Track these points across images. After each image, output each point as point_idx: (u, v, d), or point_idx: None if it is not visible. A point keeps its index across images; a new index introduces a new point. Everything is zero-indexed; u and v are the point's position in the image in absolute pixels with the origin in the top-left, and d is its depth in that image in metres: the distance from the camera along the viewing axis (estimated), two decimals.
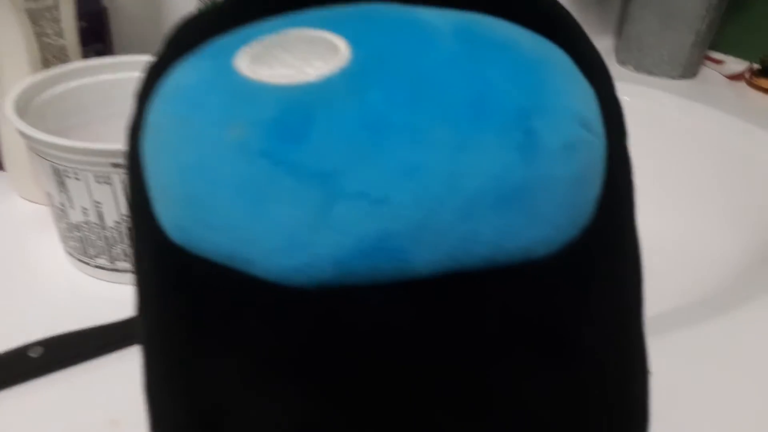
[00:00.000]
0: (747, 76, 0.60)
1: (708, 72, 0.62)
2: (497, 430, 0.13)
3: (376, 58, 0.13)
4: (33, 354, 0.24)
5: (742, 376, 0.26)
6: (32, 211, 0.35)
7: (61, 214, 0.28)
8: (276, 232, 0.12)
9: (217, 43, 0.14)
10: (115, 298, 0.28)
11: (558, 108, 0.13)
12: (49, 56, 0.34)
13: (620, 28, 0.64)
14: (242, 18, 0.15)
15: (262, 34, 0.14)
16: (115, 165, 0.26)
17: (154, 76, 0.15)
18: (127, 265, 0.29)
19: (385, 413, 0.13)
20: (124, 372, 0.24)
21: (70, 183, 0.26)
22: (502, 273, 0.13)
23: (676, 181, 0.52)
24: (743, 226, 0.46)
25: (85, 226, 0.28)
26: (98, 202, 0.27)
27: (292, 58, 0.13)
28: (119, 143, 0.25)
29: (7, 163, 0.35)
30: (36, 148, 0.26)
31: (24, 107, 0.30)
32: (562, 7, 0.16)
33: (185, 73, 0.14)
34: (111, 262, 0.29)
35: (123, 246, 0.28)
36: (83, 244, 0.29)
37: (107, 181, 0.26)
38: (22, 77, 0.32)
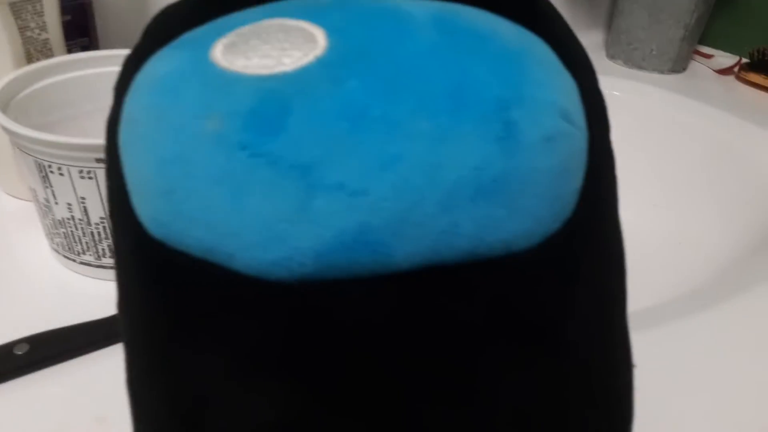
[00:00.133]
0: (736, 70, 0.60)
1: (697, 66, 0.63)
2: (480, 422, 0.13)
3: (354, 48, 0.12)
4: (18, 351, 0.24)
5: (732, 368, 0.27)
6: (17, 208, 0.34)
7: (45, 210, 0.28)
8: (255, 225, 0.12)
9: (195, 33, 0.14)
10: (101, 294, 0.28)
11: (538, 99, 0.13)
12: (33, 50, 0.34)
13: (610, 23, 0.64)
14: (220, 8, 0.15)
15: (239, 24, 0.13)
16: (99, 160, 0.25)
17: (132, 68, 0.15)
18: (113, 262, 0.29)
19: (367, 406, 0.13)
20: (111, 369, 0.24)
21: (54, 178, 0.26)
22: (484, 266, 0.13)
23: (665, 174, 0.52)
24: (733, 219, 0.46)
25: (70, 222, 0.27)
26: (83, 198, 0.26)
27: (269, 48, 0.13)
28: (103, 138, 0.25)
29: None
30: (19, 143, 0.26)
31: (7, 102, 0.29)
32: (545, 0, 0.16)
33: (162, 64, 0.14)
34: (97, 259, 0.28)
35: (108, 242, 0.28)
36: (68, 241, 0.28)
37: (91, 177, 0.26)
38: (6, 72, 0.32)
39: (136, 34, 0.16)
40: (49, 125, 0.31)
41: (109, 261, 0.29)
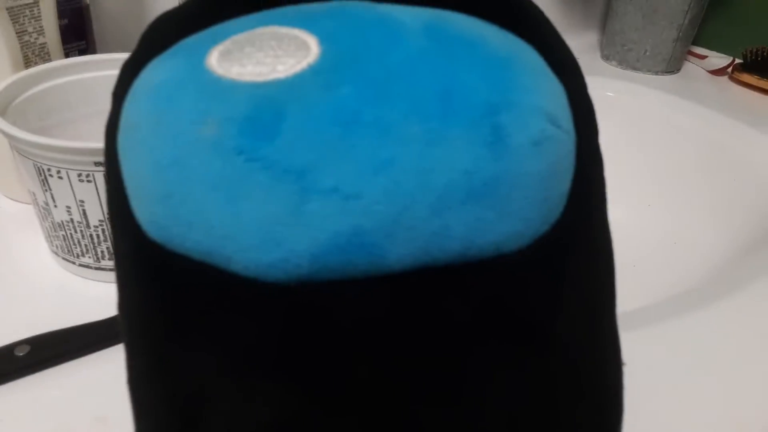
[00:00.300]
0: (729, 70, 0.61)
1: (691, 67, 0.63)
2: (473, 420, 0.14)
3: (346, 55, 0.13)
4: (19, 352, 0.24)
5: (726, 367, 0.27)
6: (17, 211, 0.35)
7: (45, 213, 0.28)
8: (252, 228, 0.12)
9: (190, 41, 0.14)
10: (101, 296, 0.28)
11: (526, 104, 0.13)
12: (30, 54, 0.34)
13: (604, 24, 0.64)
14: (215, 16, 0.15)
15: (234, 31, 0.14)
16: (98, 164, 0.26)
17: (129, 74, 0.15)
18: (113, 264, 0.29)
19: (361, 404, 0.13)
20: (111, 369, 0.24)
21: (53, 182, 0.26)
22: (475, 267, 0.13)
23: (659, 174, 0.53)
24: (726, 219, 0.47)
25: (69, 224, 0.28)
26: (82, 201, 0.27)
27: (263, 56, 0.13)
28: (101, 142, 0.25)
29: None
30: (18, 147, 0.26)
31: (5, 106, 0.30)
32: (533, 5, 0.16)
33: (159, 71, 0.14)
34: (96, 261, 0.29)
35: (107, 245, 0.28)
36: (68, 243, 0.29)
37: (90, 180, 0.26)
38: (4, 76, 0.32)
39: (132, 38, 0.16)
40: (47, 129, 0.32)
41: (108, 263, 0.29)
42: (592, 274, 0.16)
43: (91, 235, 0.28)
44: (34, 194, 0.28)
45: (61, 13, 0.36)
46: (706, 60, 0.64)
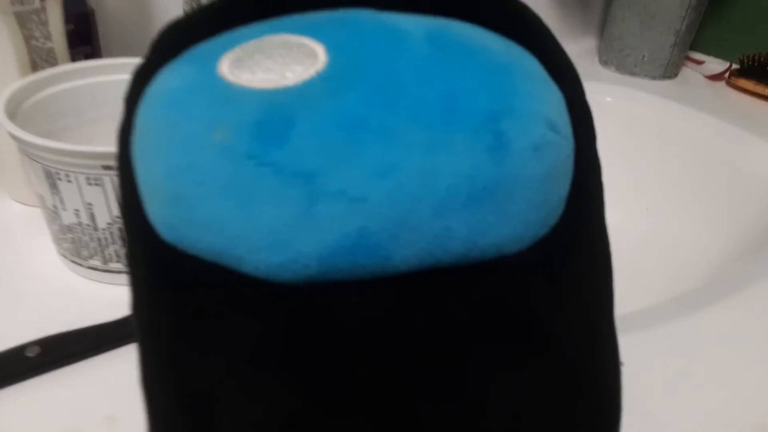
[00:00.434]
0: (726, 76, 0.61)
1: (689, 72, 0.64)
2: (471, 418, 0.14)
3: (352, 62, 0.13)
4: (30, 353, 0.24)
5: (725, 368, 0.27)
6: (24, 214, 0.35)
7: (53, 216, 0.29)
8: (262, 230, 0.13)
9: (201, 48, 0.15)
10: (108, 298, 0.29)
11: (526, 111, 0.13)
12: (38, 59, 0.34)
13: (602, 29, 0.65)
14: (224, 24, 0.15)
15: (243, 39, 0.14)
16: (106, 167, 0.26)
17: (141, 81, 0.15)
18: (120, 266, 0.29)
19: (365, 402, 0.13)
20: (119, 370, 0.25)
21: (62, 185, 0.27)
22: (477, 268, 0.13)
23: (657, 179, 0.53)
24: (724, 222, 0.47)
25: (77, 227, 0.28)
26: (90, 204, 0.27)
27: (272, 63, 0.13)
28: (109, 145, 0.25)
29: None
30: (28, 151, 0.27)
31: (14, 110, 0.30)
32: (532, 13, 0.16)
33: (171, 78, 0.14)
34: (104, 263, 0.29)
35: (115, 247, 0.29)
36: (76, 246, 0.29)
37: (98, 183, 0.26)
38: (12, 81, 0.32)
39: (137, 43, 0.17)
40: (55, 132, 0.32)
41: (115, 265, 0.29)
42: (590, 276, 0.16)
43: (99, 238, 0.28)
44: (42, 197, 0.28)
45: (67, 18, 0.36)
46: (704, 65, 0.64)
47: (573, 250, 0.15)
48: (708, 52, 0.67)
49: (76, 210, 0.27)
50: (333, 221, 0.12)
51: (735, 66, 0.61)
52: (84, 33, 0.40)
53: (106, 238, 0.28)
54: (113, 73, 0.34)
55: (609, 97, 0.56)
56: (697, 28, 0.60)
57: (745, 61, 0.59)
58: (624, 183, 0.52)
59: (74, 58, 0.38)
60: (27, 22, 0.33)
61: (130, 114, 0.15)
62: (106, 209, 0.27)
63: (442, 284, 0.13)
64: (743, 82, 0.58)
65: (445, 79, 0.13)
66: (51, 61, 0.35)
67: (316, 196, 0.12)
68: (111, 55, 0.44)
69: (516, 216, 0.13)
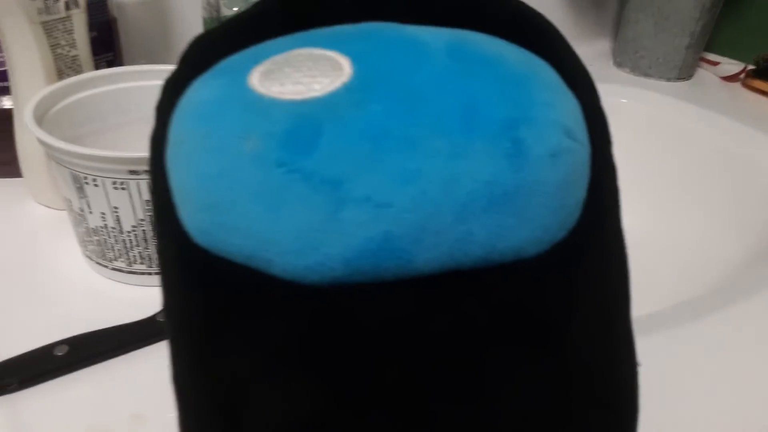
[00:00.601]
0: (741, 77, 0.61)
1: (703, 73, 0.63)
2: (488, 418, 0.14)
3: (376, 74, 0.14)
4: (58, 352, 0.25)
5: (739, 371, 0.27)
6: (49, 217, 0.36)
7: (80, 219, 0.29)
8: (291, 234, 0.13)
9: (231, 61, 0.15)
10: (133, 298, 0.30)
11: (543, 118, 0.14)
12: (63, 67, 0.35)
13: (616, 31, 0.65)
14: (251, 37, 0.16)
15: (271, 53, 0.15)
16: (132, 172, 0.27)
17: (172, 91, 0.16)
18: (144, 268, 0.30)
19: (384, 401, 0.14)
20: (145, 368, 0.26)
21: (89, 189, 0.28)
22: (496, 271, 0.14)
23: (671, 181, 0.53)
24: (739, 225, 0.47)
25: (103, 230, 0.29)
26: (116, 208, 0.28)
27: (300, 76, 0.14)
28: (134, 150, 0.26)
29: (25, 170, 0.37)
30: (56, 156, 0.28)
31: (41, 116, 0.31)
32: (547, 21, 0.17)
33: (203, 90, 0.15)
34: (128, 265, 0.30)
35: (140, 249, 0.30)
36: (101, 248, 0.30)
37: (124, 188, 0.27)
38: (39, 87, 0.33)
39: (157, 50, 0.17)
40: (80, 138, 0.33)
41: (139, 267, 0.30)
42: (606, 278, 0.16)
43: (123, 240, 0.29)
44: (69, 201, 0.29)
45: (91, 26, 0.37)
46: (719, 66, 0.64)
47: (589, 252, 0.15)
48: (723, 53, 0.66)
49: (102, 213, 0.28)
50: (358, 226, 0.13)
51: (750, 67, 0.61)
52: (106, 40, 0.41)
53: (131, 241, 0.29)
54: (136, 80, 0.35)
55: (624, 98, 0.56)
56: (711, 30, 0.59)
57: (761, 62, 0.59)
58: (639, 185, 0.52)
59: (97, 65, 0.39)
60: (53, 31, 0.34)
61: (163, 123, 0.16)
62: (132, 212, 0.28)
63: (461, 286, 0.14)
64: (758, 83, 0.58)
65: (464, 89, 0.14)
66: (76, 68, 0.36)
67: (343, 202, 0.13)
68: (131, 61, 0.45)
69: (534, 220, 0.14)
